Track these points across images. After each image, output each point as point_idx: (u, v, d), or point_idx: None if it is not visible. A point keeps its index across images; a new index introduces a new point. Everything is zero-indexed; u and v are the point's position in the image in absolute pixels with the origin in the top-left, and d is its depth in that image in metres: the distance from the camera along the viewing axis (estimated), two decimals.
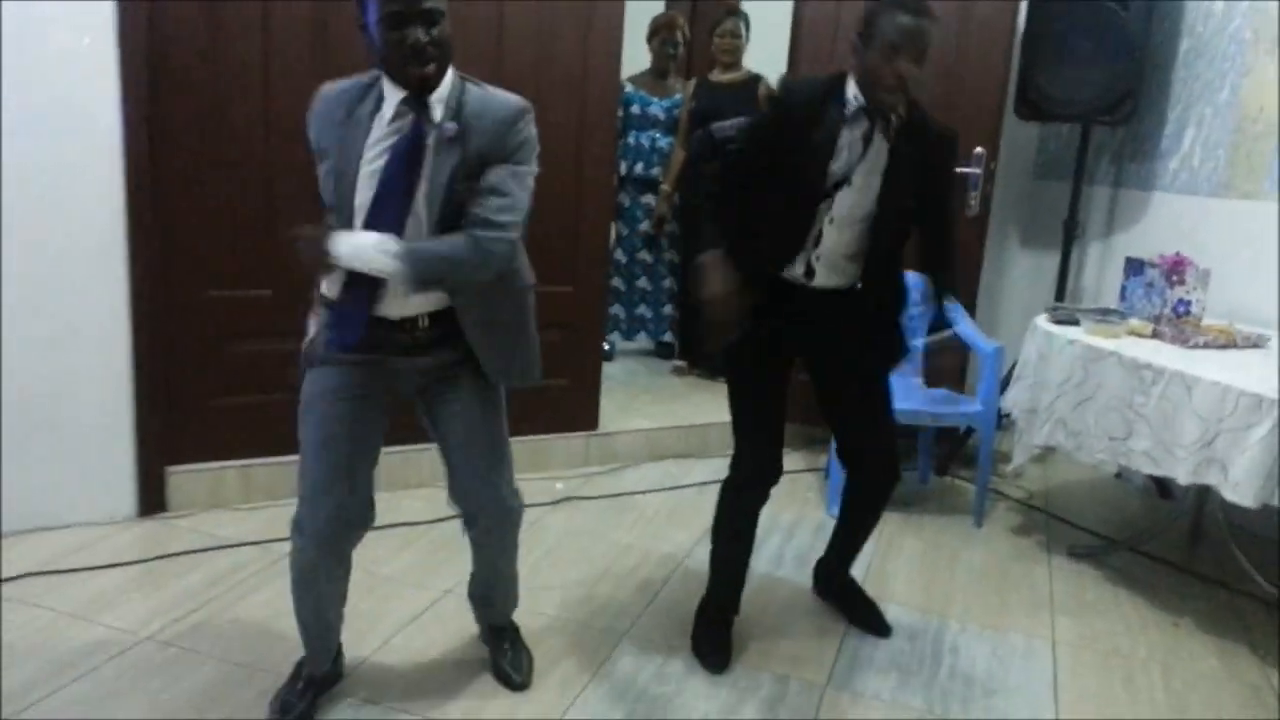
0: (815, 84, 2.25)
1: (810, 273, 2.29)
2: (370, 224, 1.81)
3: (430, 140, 1.83)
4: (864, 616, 2.68)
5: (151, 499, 3.01)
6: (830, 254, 2.28)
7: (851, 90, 2.17)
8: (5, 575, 2.58)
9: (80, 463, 2.89)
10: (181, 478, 3.06)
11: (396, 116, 1.82)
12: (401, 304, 1.92)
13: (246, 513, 3.06)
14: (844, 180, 2.19)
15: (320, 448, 1.97)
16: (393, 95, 1.82)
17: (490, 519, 2.14)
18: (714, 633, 2.50)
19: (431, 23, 1.76)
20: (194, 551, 2.81)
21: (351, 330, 1.91)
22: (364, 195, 1.82)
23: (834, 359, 2.44)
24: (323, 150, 1.87)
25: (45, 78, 2.67)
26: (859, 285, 2.33)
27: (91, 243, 2.79)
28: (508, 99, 1.92)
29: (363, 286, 1.86)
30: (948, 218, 2.42)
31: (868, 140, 2.17)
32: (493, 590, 2.32)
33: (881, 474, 2.51)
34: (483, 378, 2.05)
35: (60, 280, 2.77)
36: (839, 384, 2.46)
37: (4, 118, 2.62)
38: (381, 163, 1.81)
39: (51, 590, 2.55)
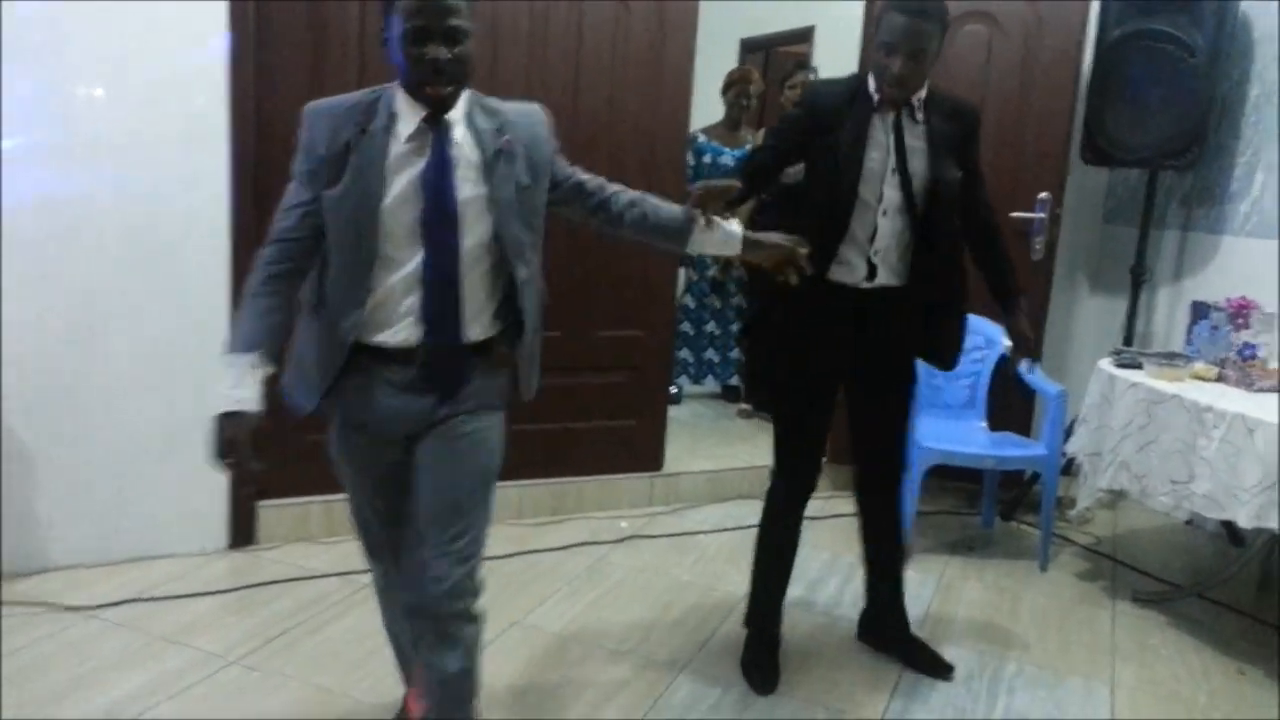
0: (839, 83, 2.38)
1: (872, 271, 2.35)
2: (431, 254, 1.73)
3: (475, 157, 1.75)
4: (923, 660, 2.68)
5: (242, 532, 3.21)
6: (887, 249, 2.34)
7: (873, 86, 2.29)
8: (108, 601, 2.79)
9: (178, 498, 3.10)
10: (270, 512, 3.25)
11: (415, 135, 1.72)
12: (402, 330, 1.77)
13: (330, 545, 3.23)
14: (885, 170, 2.29)
15: (371, 500, 1.94)
16: (409, 113, 1.73)
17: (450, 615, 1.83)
18: (761, 656, 2.59)
19: (455, 41, 1.68)
20: (280, 581, 2.99)
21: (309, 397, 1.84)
22: (393, 220, 1.72)
23: (881, 359, 2.47)
24: (332, 172, 1.72)
25: (159, 152, 2.92)
26: (909, 282, 2.39)
27: (197, 290, 3.01)
28: (532, 106, 1.88)
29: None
30: (986, 211, 2.48)
31: (899, 129, 2.28)
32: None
33: (888, 469, 2.59)
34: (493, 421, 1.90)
35: (165, 322, 2.99)
36: (878, 384, 2.51)
37: (122, 189, 2.89)
38: (404, 183, 1.72)
39: (149, 615, 2.74)
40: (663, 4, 3.53)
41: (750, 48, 6.67)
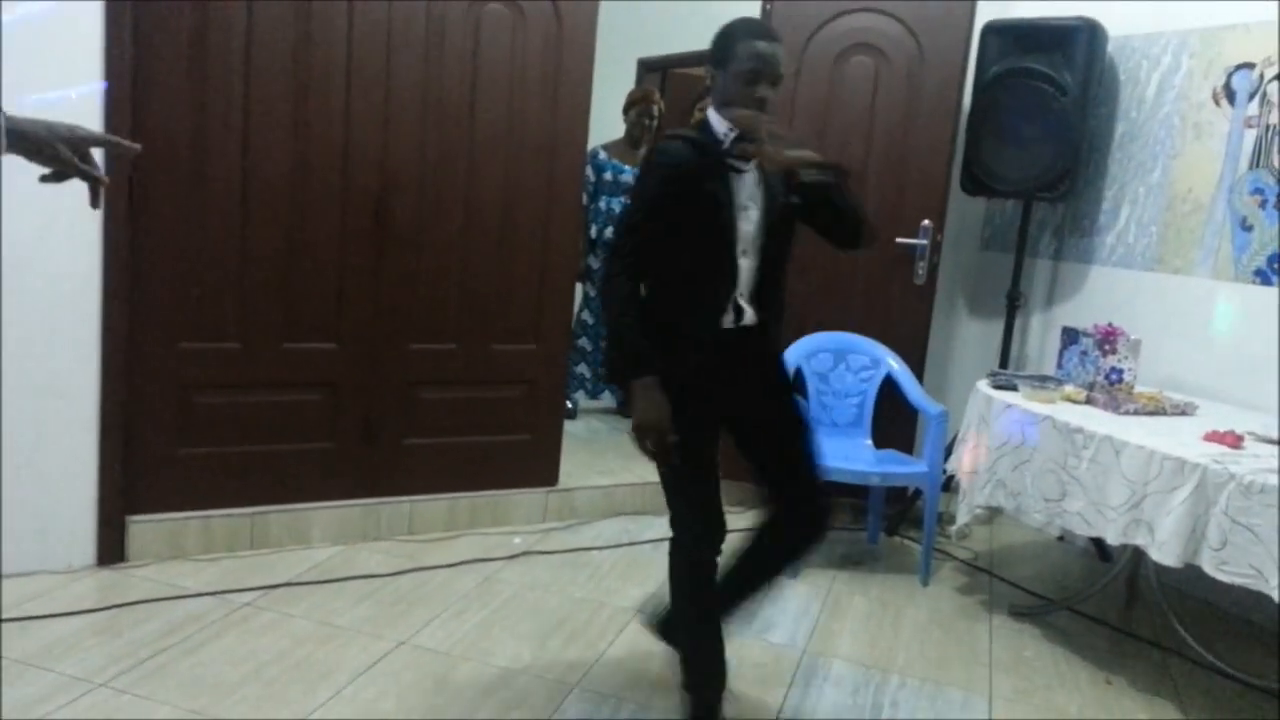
0: (684, 136, 2.26)
1: (739, 313, 2.25)
2: None
3: None
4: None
5: (111, 548, 3.04)
6: (745, 288, 2.25)
7: (719, 124, 2.20)
8: None
9: (41, 510, 2.92)
10: (142, 527, 3.09)
11: None
12: None
13: (206, 563, 3.10)
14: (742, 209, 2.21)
15: None
16: None
17: None
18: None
19: None
20: (152, 600, 2.84)
21: None
22: None
23: (757, 400, 2.36)
24: None
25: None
26: (761, 318, 2.29)
27: (65, 292, 2.86)
28: None
29: None
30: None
31: (745, 165, 2.21)
32: None
33: (814, 521, 2.37)
34: None
35: (32, 328, 2.83)
36: (765, 425, 2.38)
37: None
38: None
39: (7, 638, 2.57)
40: (559, 3, 3.50)
41: (648, 68, 6.73)
